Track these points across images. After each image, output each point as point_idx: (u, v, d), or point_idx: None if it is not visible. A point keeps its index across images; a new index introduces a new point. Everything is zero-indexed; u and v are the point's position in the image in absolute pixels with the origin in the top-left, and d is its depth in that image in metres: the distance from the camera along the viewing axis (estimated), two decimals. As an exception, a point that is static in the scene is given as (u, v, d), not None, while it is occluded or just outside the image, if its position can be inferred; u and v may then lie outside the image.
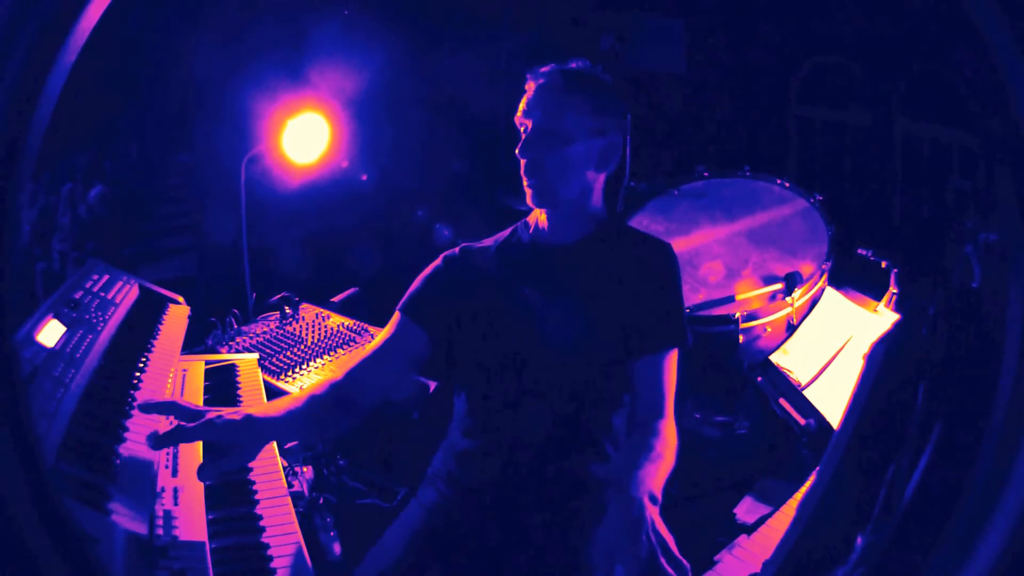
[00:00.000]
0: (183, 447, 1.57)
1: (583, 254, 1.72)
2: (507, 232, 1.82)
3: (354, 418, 1.65)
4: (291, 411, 1.50)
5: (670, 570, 1.25)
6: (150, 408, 1.41)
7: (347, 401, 1.60)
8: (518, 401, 1.64)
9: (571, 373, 1.63)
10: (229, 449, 1.38)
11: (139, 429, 1.48)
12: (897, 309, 2.41)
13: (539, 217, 1.75)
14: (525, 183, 1.67)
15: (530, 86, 1.70)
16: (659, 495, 1.40)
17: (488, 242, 1.81)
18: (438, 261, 1.77)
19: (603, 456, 1.66)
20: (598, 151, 1.68)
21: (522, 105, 1.71)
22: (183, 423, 1.37)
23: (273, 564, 1.38)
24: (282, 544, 1.44)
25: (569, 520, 1.61)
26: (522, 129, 1.69)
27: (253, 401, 1.97)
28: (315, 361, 2.37)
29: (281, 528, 1.48)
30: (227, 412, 1.39)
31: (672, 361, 1.68)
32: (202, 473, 1.34)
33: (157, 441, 1.36)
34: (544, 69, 1.71)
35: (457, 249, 1.79)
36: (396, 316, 1.71)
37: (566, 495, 1.62)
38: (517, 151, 1.66)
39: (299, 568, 1.39)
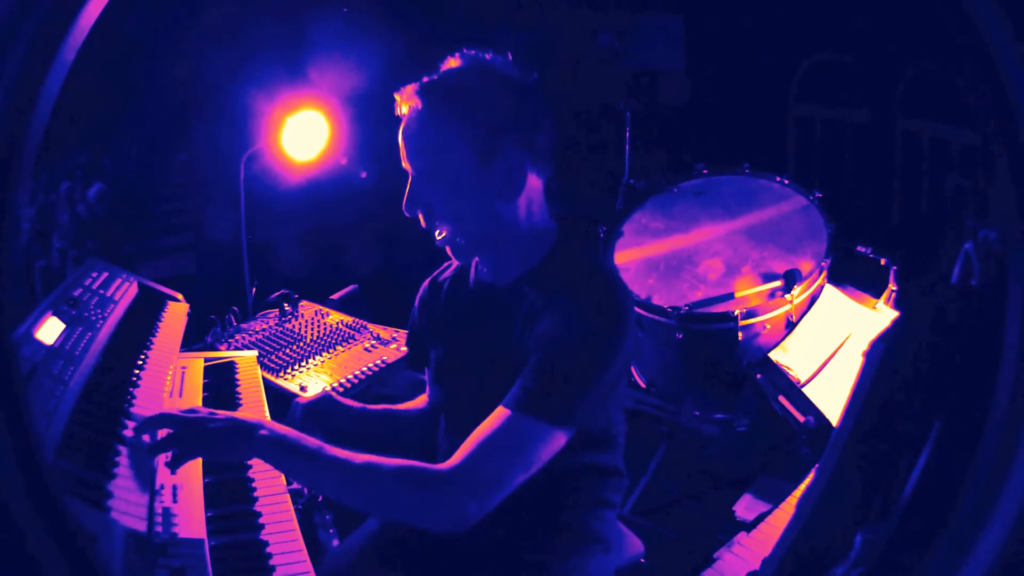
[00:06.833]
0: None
1: (510, 298, 1.47)
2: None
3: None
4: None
5: None
6: (145, 426, 1.41)
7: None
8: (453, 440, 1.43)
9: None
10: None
11: (139, 427, 1.48)
12: (896, 307, 2.41)
13: None
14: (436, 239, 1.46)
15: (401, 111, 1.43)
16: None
17: (449, 272, 1.67)
18: (422, 288, 1.72)
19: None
20: (500, 179, 1.38)
21: (400, 141, 1.42)
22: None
23: (272, 561, 1.38)
24: (281, 541, 1.44)
25: (525, 535, 1.50)
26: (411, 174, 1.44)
27: (252, 399, 1.97)
28: (314, 358, 2.37)
29: (280, 526, 1.48)
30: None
31: (514, 425, 1.28)
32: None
33: (151, 450, 1.38)
34: (402, 92, 1.40)
35: (427, 281, 1.71)
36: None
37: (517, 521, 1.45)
38: (403, 208, 1.42)
39: (298, 565, 1.39)
